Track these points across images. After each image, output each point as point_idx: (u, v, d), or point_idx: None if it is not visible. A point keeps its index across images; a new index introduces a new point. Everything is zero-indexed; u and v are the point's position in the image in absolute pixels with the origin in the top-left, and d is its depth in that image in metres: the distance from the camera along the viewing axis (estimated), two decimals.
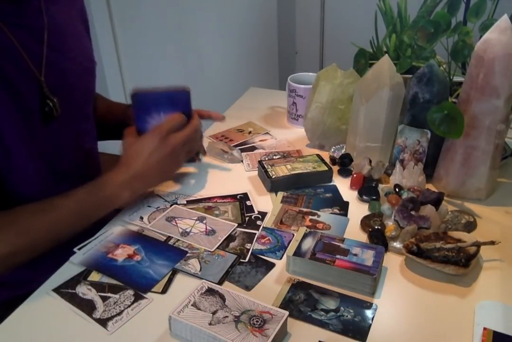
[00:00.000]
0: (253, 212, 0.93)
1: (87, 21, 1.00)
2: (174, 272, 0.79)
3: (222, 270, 0.79)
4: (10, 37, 0.77)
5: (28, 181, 0.85)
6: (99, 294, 0.75)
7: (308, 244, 0.79)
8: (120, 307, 0.72)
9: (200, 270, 0.79)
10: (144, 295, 0.74)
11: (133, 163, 0.86)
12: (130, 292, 0.75)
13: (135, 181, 0.85)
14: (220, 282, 0.76)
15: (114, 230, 0.87)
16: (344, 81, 1.06)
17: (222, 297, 0.70)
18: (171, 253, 0.82)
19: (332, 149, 1.09)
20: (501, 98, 0.84)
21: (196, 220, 0.90)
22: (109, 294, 0.74)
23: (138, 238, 0.86)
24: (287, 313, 0.67)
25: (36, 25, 0.82)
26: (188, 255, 0.82)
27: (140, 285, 0.76)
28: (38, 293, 0.75)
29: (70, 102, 0.88)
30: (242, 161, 1.09)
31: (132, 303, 0.73)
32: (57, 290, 0.75)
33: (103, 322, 0.70)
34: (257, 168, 1.04)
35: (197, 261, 0.81)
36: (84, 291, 0.75)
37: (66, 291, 0.75)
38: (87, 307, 0.72)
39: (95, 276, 0.78)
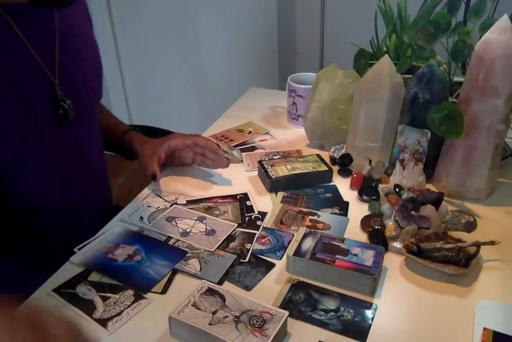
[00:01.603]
0: (253, 212, 0.93)
1: (91, 20, 0.98)
2: (174, 272, 0.79)
3: (222, 270, 0.79)
4: (24, 40, 0.76)
5: (35, 185, 0.84)
6: (99, 294, 0.74)
7: (308, 244, 0.79)
8: (120, 307, 0.72)
9: (200, 270, 0.79)
10: (144, 295, 0.74)
11: None
12: (130, 292, 0.75)
13: None
14: (220, 282, 0.76)
15: (114, 230, 0.87)
16: (344, 81, 1.06)
17: (222, 297, 0.70)
18: (171, 253, 0.82)
19: (332, 149, 1.09)
20: (501, 98, 0.84)
21: (196, 220, 0.90)
22: (109, 294, 0.74)
23: (138, 238, 0.86)
24: (287, 313, 0.67)
25: (48, 28, 0.81)
26: (188, 255, 0.82)
27: (140, 285, 0.76)
28: (38, 293, 0.75)
29: (82, 104, 0.87)
30: (242, 161, 1.09)
31: (132, 303, 0.73)
32: (57, 290, 0.75)
33: (103, 322, 0.70)
34: (257, 168, 1.04)
35: (197, 261, 0.81)
36: (84, 291, 0.75)
37: (66, 291, 0.75)
38: (87, 307, 0.72)
39: (95, 276, 0.78)
